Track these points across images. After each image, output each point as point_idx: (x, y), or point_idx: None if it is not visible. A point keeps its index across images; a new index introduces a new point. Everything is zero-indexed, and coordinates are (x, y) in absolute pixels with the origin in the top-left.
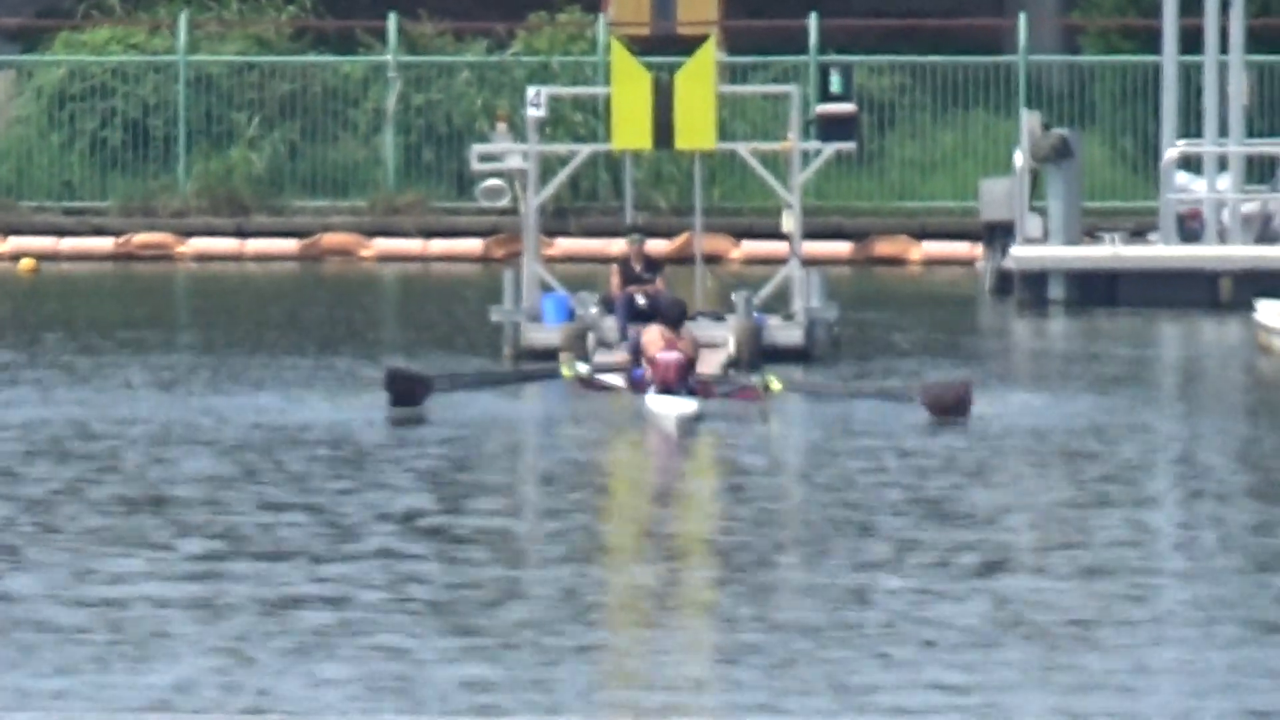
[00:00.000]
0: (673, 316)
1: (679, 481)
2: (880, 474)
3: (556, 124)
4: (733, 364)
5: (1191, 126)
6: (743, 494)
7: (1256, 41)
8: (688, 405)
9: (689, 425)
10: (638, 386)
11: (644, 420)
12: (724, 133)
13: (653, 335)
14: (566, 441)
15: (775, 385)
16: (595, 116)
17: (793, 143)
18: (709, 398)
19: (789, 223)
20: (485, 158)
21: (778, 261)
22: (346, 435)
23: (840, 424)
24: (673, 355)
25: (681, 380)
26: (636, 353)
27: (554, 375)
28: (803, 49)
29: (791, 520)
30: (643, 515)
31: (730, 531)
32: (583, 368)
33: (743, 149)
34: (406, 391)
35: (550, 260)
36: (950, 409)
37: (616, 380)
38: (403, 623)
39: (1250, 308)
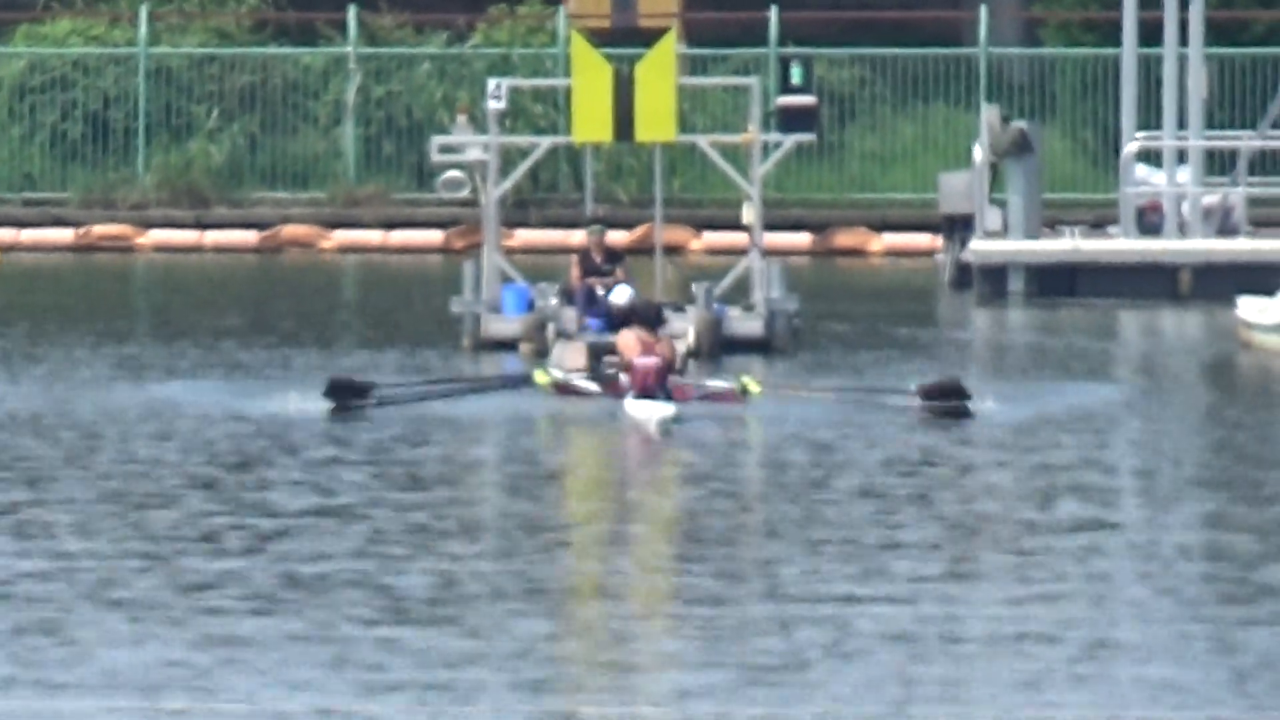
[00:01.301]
0: (650, 318)
1: (653, 477)
2: (854, 471)
3: (517, 116)
4: (693, 354)
5: (1152, 119)
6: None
7: (1216, 34)
8: (666, 409)
9: (668, 427)
10: (608, 383)
11: (622, 423)
12: (684, 125)
13: (629, 339)
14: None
15: (754, 388)
16: (556, 109)
17: (753, 135)
18: (686, 400)
19: (749, 214)
20: (445, 149)
21: (738, 253)
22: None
23: (820, 425)
24: (650, 360)
25: (660, 384)
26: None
27: (527, 383)
28: (763, 41)
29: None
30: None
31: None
32: (557, 374)
33: (703, 141)
34: (345, 401)
35: (510, 251)
36: (945, 400)
37: (591, 385)
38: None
39: (1210, 300)
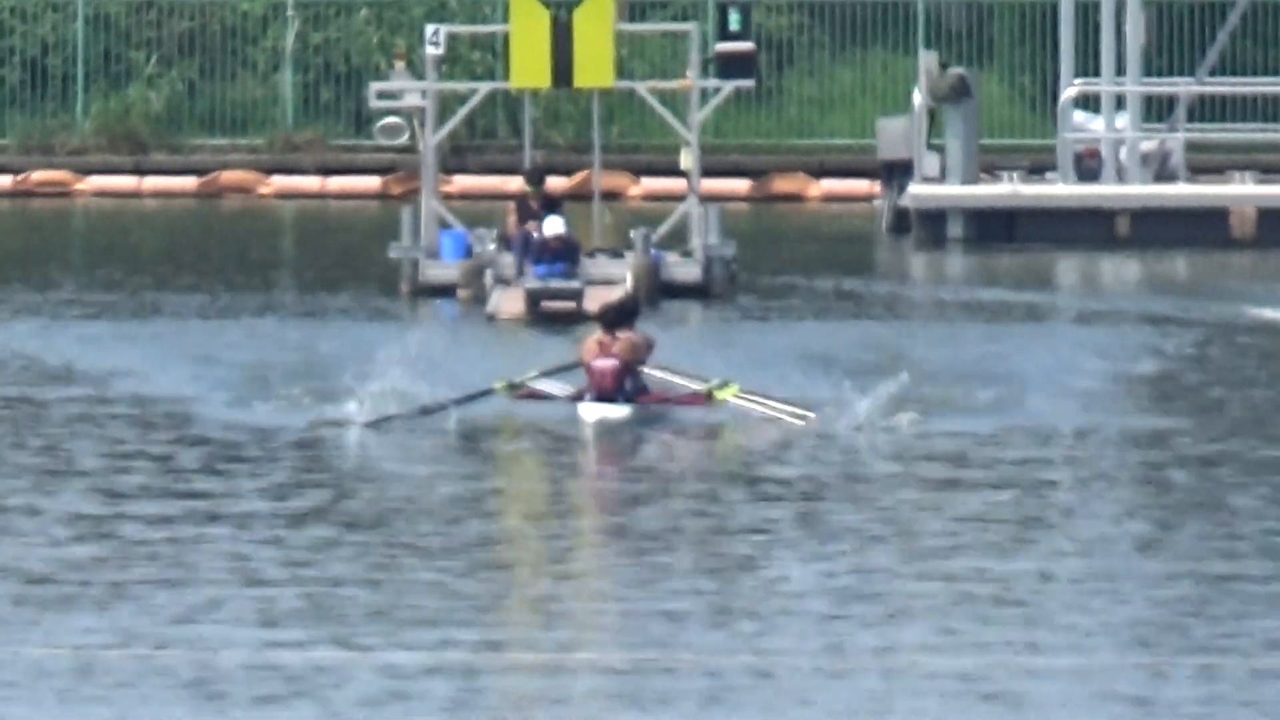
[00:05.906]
0: (609, 320)
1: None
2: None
3: (454, 62)
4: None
5: (1090, 65)
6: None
7: None
8: (617, 411)
9: (609, 429)
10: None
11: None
12: (622, 71)
13: (588, 343)
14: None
15: (720, 395)
16: (493, 54)
17: (691, 81)
18: (650, 404)
19: (687, 160)
20: (383, 95)
21: (676, 199)
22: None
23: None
24: (608, 363)
25: (618, 387)
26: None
27: (487, 394)
28: None
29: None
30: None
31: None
32: (517, 379)
33: (641, 87)
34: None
35: (448, 197)
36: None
37: (555, 389)
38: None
39: (1147, 246)
